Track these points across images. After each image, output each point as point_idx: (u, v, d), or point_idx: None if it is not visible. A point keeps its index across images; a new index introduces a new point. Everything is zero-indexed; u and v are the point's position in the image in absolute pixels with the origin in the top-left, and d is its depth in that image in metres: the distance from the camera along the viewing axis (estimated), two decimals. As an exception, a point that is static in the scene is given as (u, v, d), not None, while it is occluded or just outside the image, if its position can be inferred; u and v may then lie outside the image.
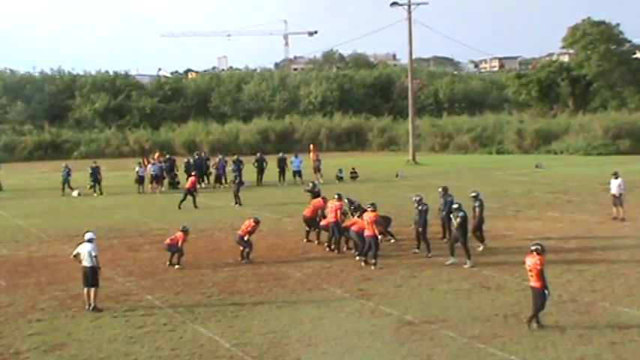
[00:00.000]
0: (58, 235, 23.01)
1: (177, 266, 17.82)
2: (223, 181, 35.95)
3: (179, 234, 18.16)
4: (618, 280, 15.57)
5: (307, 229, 20.91)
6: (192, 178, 29.84)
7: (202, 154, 39.22)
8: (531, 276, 12.53)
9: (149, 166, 35.34)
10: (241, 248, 18.60)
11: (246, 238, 18.53)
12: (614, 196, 23.34)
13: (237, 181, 31.13)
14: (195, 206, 28.17)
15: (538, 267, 12.37)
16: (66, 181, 34.27)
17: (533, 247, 12.71)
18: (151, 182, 34.78)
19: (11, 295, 15.58)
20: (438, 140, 61.92)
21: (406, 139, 54.50)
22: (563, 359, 11.11)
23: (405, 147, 54.06)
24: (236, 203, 28.78)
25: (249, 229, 18.61)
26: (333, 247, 19.40)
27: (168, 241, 18.37)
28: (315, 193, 23.79)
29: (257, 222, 18.83)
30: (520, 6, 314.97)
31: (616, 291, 14.75)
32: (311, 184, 25.47)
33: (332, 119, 68.75)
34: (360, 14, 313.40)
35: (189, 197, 28.48)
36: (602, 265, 17.08)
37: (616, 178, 23.35)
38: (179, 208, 28.09)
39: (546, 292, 12.36)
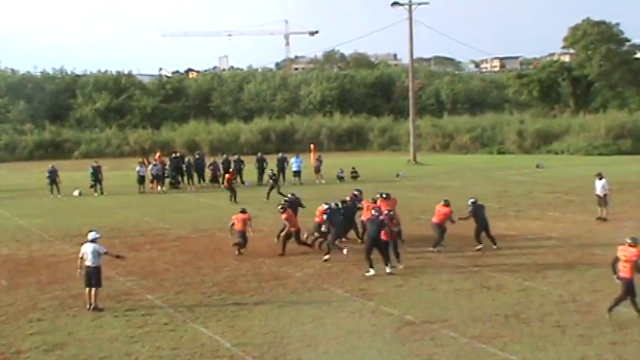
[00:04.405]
0: (59, 234, 23.01)
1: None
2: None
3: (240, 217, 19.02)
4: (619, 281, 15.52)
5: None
6: (227, 175, 30.89)
7: (178, 154, 38.11)
8: (624, 267, 12.67)
9: (149, 166, 35.31)
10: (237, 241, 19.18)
11: (247, 235, 19.03)
12: (598, 196, 23.62)
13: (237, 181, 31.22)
14: (236, 201, 28.59)
15: (635, 258, 12.53)
16: (53, 181, 33.82)
17: (629, 240, 12.84)
18: (152, 182, 34.77)
19: (12, 295, 15.59)
20: (438, 140, 61.93)
21: (407, 139, 54.53)
22: (564, 359, 11.12)
23: (406, 147, 54.09)
24: (231, 199, 29.23)
25: (244, 223, 19.12)
26: (313, 243, 19.48)
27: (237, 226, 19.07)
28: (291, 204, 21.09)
29: (244, 211, 19.45)
30: (521, 6, 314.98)
31: (617, 291, 14.68)
32: (290, 196, 22.16)
33: (333, 119, 68.71)
34: (360, 14, 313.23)
35: (230, 192, 29.51)
36: (603, 265, 17.00)
37: (600, 179, 23.66)
38: (235, 202, 28.46)
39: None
